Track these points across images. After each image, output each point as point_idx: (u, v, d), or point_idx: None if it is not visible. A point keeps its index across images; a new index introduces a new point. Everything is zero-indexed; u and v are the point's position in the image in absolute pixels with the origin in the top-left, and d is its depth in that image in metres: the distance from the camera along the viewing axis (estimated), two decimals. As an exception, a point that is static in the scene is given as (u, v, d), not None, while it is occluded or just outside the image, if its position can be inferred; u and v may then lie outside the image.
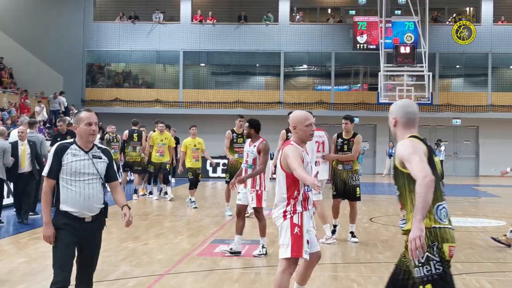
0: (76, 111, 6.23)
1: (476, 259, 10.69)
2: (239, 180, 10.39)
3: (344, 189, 12.19)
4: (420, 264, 4.80)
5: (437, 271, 4.81)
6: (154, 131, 19.36)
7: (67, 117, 21.70)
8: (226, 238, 11.87)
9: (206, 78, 39.72)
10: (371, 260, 10.51)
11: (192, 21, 38.36)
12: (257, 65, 39.56)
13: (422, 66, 32.18)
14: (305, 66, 40.02)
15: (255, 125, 10.75)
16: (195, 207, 17.44)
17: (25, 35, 37.35)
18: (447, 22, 39.67)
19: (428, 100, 32.68)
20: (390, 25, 34.94)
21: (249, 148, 10.74)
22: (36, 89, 34.52)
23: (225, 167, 18.19)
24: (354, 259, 10.50)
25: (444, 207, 4.92)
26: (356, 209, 12.36)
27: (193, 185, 17.63)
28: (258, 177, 10.44)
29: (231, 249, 10.55)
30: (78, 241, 5.81)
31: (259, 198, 10.47)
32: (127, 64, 40.20)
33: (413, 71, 32.87)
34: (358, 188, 12.21)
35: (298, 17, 39.18)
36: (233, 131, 15.35)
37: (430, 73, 32.43)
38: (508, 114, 36.54)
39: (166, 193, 20.15)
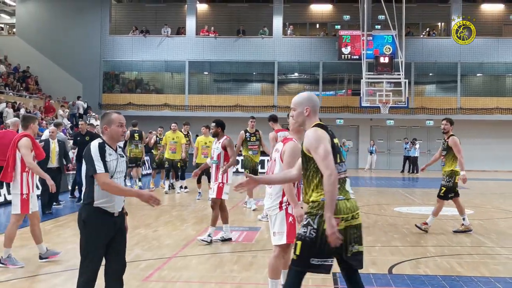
0: (105, 112, 5.78)
1: (447, 243, 10.70)
2: (223, 171, 10.34)
3: None
4: (303, 225, 4.96)
5: (310, 235, 4.86)
6: (180, 130, 19.64)
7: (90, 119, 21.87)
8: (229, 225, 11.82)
9: (209, 84, 39.71)
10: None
11: (196, 34, 38.36)
12: (254, 73, 39.54)
13: (399, 74, 32.17)
14: (296, 74, 39.99)
15: (221, 124, 10.58)
16: (198, 199, 17.46)
17: (48, 46, 37.39)
18: (421, 36, 39.67)
19: (405, 104, 32.71)
20: (371, 38, 34.94)
21: (215, 145, 10.57)
22: (59, 95, 34.51)
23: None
24: (339, 244, 10.48)
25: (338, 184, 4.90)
26: None
27: (199, 179, 17.64)
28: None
29: (222, 237, 10.44)
30: (111, 236, 5.50)
31: (219, 190, 10.27)
32: (139, 73, 40.17)
33: (391, 78, 32.85)
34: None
35: (289, 31, 39.17)
36: (246, 131, 15.09)
37: (406, 80, 32.43)
38: (475, 116, 36.59)
39: (173, 186, 20.02)
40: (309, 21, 41.49)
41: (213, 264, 8.83)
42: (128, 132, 19.89)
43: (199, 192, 17.76)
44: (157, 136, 21.09)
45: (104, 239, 5.44)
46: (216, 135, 10.62)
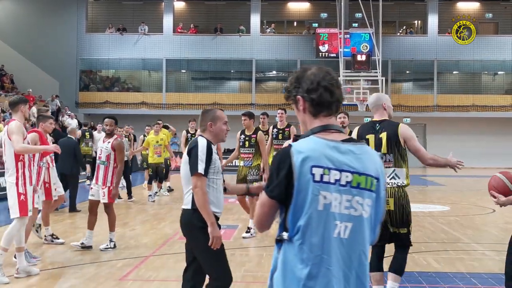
0: (208, 109, 5.41)
1: (424, 240, 10.76)
2: (115, 184, 9.46)
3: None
4: None
5: None
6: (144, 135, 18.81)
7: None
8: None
9: (186, 82, 39.59)
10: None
11: (174, 32, 38.23)
12: (232, 71, 39.49)
13: (376, 72, 32.31)
14: (274, 72, 40.01)
15: (116, 122, 9.84)
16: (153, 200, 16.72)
17: (24, 44, 37.01)
18: (398, 34, 39.91)
19: (382, 102, 32.85)
20: (348, 36, 35.04)
21: (103, 144, 9.60)
22: (35, 93, 34.15)
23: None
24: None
25: None
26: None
27: (151, 180, 17.26)
28: (110, 173, 9.47)
29: (82, 243, 9.46)
30: None
31: (110, 194, 9.50)
32: (116, 71, 39.93)
33: (369, 76, 32.98)
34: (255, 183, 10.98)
35: (268, 30, 39.19)
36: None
37: (384, 78, 32.57)
38: (452, 113, 36.92)
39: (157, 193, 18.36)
40: (286, 19, 41.53)
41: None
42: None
43: (150, 195, 16.81)
44: (144, 136, 19.80)
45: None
46: (110, 133, 9.67)
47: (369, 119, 37.69)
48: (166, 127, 18.58)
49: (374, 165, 2.80)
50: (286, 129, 12.44)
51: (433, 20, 38.10)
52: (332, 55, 36.19)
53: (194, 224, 5.04)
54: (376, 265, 6.20)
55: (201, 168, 4.93)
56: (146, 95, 37.77)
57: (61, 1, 37.96)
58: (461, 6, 40.11)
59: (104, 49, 38.02)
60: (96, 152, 11.78)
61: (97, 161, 9.67)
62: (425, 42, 37.77)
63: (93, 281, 7.67)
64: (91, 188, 9.60)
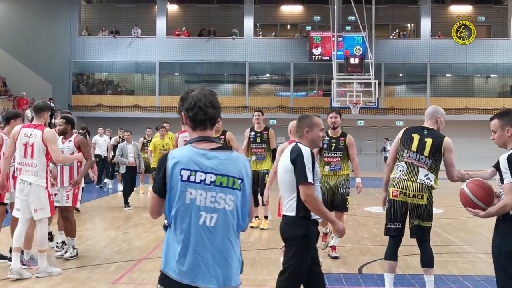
0: (305, 115, 5.39)
1: (415, 242, 10.75)
2: (74, 183, 8.94)
3: None
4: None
5: (386, 205, 6.91)
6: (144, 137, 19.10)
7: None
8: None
9: (179, 85, 39.54)
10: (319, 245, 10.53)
11: (167, 35, 38.22)
12: (225, 74, 39.51)
13: (370, 75, 32.37)
14: (267, 75, 40.05)
15: (71, 121, 9.32)
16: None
17: (17, 47, 36.93)
18: (391, 37, 40.02)
19: (375, 104, 32.91)
20: (341, 39, 35.10)
21: (64, 145, 9.00)
22: (28, 96, 34.04)
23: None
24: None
25: (400, 165, 6.81)
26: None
27: None
28: (76, 174, 9.01)
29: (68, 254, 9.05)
30: None
31: (75, 197, 9.04)
32: (109, 74, 39.90)
33: (362, 79, 33.03)
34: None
35: (260, 32, 39.21)
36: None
37: (377, 81, 32.64)
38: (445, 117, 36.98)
39: None
40: (279, 22, 41.58)
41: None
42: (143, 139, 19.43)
43: None
44: (145, 138, 19.60)
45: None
46: (64, 132, 9.13)
47: (362, 122, 37.79)
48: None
49: (237, 168, 3.50)
50: (264, 132, 12.26)
51: (426, 23, 38.22)
52: (325, 58, 36.27)
53: (297, 232, 5.09)
54: (391, 255, 6.92)
55: (310, 177, 4.97)
56: (139, 98, 37.73)
57: (54, 4, 37.90)
58: (454, 9, 40.26)
59: (97, 52, 37.97)
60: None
61: (59, 164, 8.94)
62: (418, 45, 37.90)
63: (86, 285, 7.65)
64: (55, 194, 8.86)
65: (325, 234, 9.35)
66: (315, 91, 39.53)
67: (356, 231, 12.08)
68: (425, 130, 7.19)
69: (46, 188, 7.95)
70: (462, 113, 37.02)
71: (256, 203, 12.09)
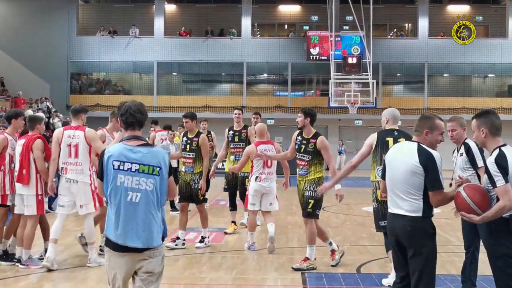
0: (427, 115, 5.42)
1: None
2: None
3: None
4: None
5: (374, 206, 7.69)
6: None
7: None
8: (195, 226, 11.72)
9: (177, 85, 39.56)
10: (322, 244, 10.50)
11: (165, 35, 38.20)
12: (223, 74, 39.52)
13: (367, 75, 32.37)
14: (265, 74, 40.06)
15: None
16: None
17: (15, 47, 36.89)
18: (389, 37, 40.04)
19: (373, 104, 32.90)
20: (339, 39, 35.11)
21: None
22: (25, 96, 34.02)
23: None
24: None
25: (381, 169, 6.15)
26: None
27: None
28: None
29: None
30: None
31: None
32: (107, 73, 39.88)
33: (360, 79, 33.04)
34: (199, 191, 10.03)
35: (259, 32, 39.20)
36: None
37: (374, 81, 32.65)
38: (442, 116, 34.89)
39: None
40: (277, 21, 41.57)
41: (182, 265, 8.80)
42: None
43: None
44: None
45: None
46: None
47: (360, 122, 37.59)
48: (169, 127, 16.20)
49: (156, 159, 4.66)
50: (243, 131, 11.53)
51: (423, 23, 38.22)
52: (323, 57, 36.28)
53: (427, 231, 5.12)
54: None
55: (443, 183, 5.10)
56: (137, 98, 37.50)
57: (52, 3, 37.85)
58: (451, 9, 40.28)
59: (95, 51, 37.95)
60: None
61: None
62: (416, 45, 37.92)
63: (84, 284, 7.64)
64: (14, 205, 8.67)
65: (333, 251, 8.91)
66: (313, 91, 39.55)
67: (354, 231, 12.08)
68: (395, 132, 7.67)
69: (90, 184, 8.51)
70: (460, 112, 36.94)
71: (234, 207, 11.82)
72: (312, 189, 8.51)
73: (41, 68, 36.73)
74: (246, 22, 38.20)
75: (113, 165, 4.60)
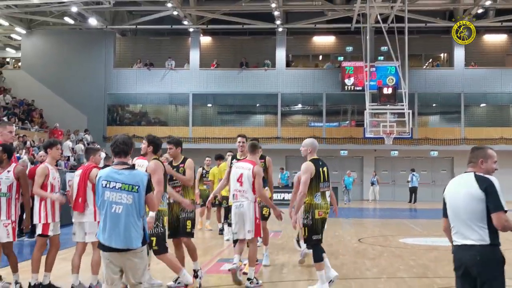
0: (479, 146, 5.63)
1: (454, 275, 10.49)
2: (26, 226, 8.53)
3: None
4: (305, 217, 8.72)
5: (309, 222, 8.63)
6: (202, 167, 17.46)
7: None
8: (230, 257, 11.56)
9: (212, 116, 39.79)
10: (360, 276, 10.35)
11: (200, 67, 38.55)
12: (257, 105, 39.64)
13: (403, 105, 32.11)
14: (299, 105, 40.06)
15: (8, 149, 8.45)
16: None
17: (54, 80, 37.67)
18: (424, 67, 39.80)
19: (409, 135, 32.61)
20: (374, 69, 35.02)
21: (1, 175, 8.23)
22: (63, 127, 34.56)
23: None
24: (344, 276, 10.32)
25: (317, 195, 8.61)
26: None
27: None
28: (13, 206, 8.29)
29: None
30: None
31: (13, 231, 8.30)
32: (143, 105, 40.33)
33: (395, 109, 32.79)
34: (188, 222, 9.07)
35: (293, 64, 39.32)
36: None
37: (410, 111, 32.37)
38: None
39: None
40: (312, 53, 41.69)
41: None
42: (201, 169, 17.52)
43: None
44: (203, 168, 17.65)
45: None
46: (1, 161, 8.34)
47: (395, 152, 37.28)
48: (221, 157, 16.46)
49: (135, 180, 5.81)
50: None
51: (459, 53, 37.91)
52: (358, 88, 36.19)
53: (497, 258, 5.16)
54: (322, 257, 8.76)
55: (504, 205, 5.16)
56: (172, 129, 37.94)
57: (90, 36, 38.61)
58: (488, 38, 39.97)
59: (132, 84, 38.45)
60: None
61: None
62: (452, 75, 37.60)
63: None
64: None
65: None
66: (347, 122, 39.37)
67: (391, 262, 11.84)
68: (320, 162, 8.86)
69: (95, 216, 8.57)
70: (498, 143, 36.38)
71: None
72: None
73: (79, 100, 37.35)
74: (280, 54, 38.38)
75: (102, 184, 5.83)
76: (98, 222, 8.39)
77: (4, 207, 8.21)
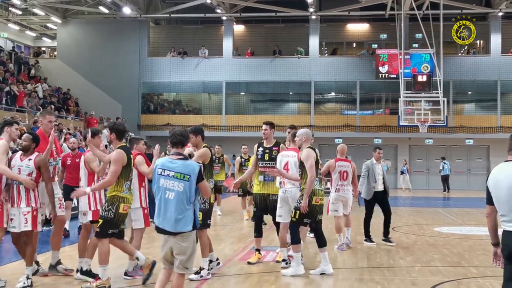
0: None
1: (489, 264, 10.43)
2: (53, 215, 8.46)
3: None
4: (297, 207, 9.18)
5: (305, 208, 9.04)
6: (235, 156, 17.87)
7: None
8: (264, 245, 11.62)
9: (245, 105, 39.85)
10: (393, 264, 10.35)
11: (233, 55, 38.61)
12: (290, 93, 39.57)
13: (438, 93, 31.80)
14: (333, 93, 39.88)
15: (36, 139, 8.44)
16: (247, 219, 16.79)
17: (89, 69, 38.11)
18: (460, 54, 39.27)
19: (443, 123, 32.27)
20: (408, 56, 34.72)
21: (22, 162, 8.24)
22: (98, 116, 34.95)
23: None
24: (378, 264, 10.34)
25: (316, 180, 9.11)
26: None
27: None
28: (32, 194, 8.20)
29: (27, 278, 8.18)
30: None
31: (34, 219, 8.18)
32: (177, 94, 40.56)
33: (430, 97, 32.47)
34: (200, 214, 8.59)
35: (326, 51, 39.09)
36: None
37: (445, 99, 32.03)
38: None
39: None
40: (345, 40, 41.43)
41: (250, 284, 8.78)
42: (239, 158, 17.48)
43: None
44: (241, 157, 17.40)
45: None
46: (27, 149, 8.33)
47: (430, 140, 36.85)
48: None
49: (187, 169, 6.32)
50: (274, 148, 10.21)
51: (496, 40, 37.27)
52: (392, 76, 35.91)
53: None
54: (299, 239, 9.26)
55: None
56: (206, 117, 38.14)
57: (124, 25, 38.92)
58: (525, 25, 39.24)
59: (166, 72, 38.70)
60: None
61: (14, 182, 8.21)
62: (488, 62, 37.01)
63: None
64: (12, 219, 8.17)
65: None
66: (381, 110, 39.10)
67: (425, 251, 11.80)
68: (315, 150, 9.52)
69: (140, 201, 9.08)
70: (535, 131, 35.88)
71: (259, 233, 10.22)
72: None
73: (113, 89, 37.76)
74: (314, 41, 38.22)
75: (158, 171, 6.39)
76: (143, 208, 8.95)
77: (23, 194, 8.14)
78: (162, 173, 6.33)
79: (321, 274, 9.22)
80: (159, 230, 6.32)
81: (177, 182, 6.26)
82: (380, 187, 12.86)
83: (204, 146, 9.03)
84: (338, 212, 12.08)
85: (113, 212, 7.91)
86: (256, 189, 10.24)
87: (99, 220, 8.04)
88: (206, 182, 6.79)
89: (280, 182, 9.84)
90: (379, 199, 12.83)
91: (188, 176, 6.27)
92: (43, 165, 8.24)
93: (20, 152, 8.35)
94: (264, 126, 10.37)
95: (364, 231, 12.83)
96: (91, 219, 8.75)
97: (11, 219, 8.12)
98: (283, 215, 9.70)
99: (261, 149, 10.16)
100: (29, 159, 8.21)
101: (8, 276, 8.66)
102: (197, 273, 8.85)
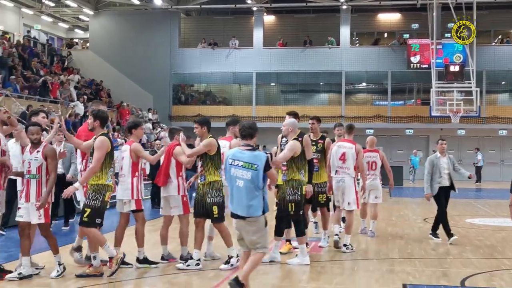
0: None
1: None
2: (40, 205, 8.01)
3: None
4: (292, 193, 9.31)
5: (297, 197, 9.31)
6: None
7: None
8: (309, 236, 11.57)
9: (276, 95, 39.85)
10: (424, 255, 10.31)
11: (263, 46, 38.59)
12: (321, 83, 39.44)
13: (470, 83, 31.41)
14: (364, 84, 39.67)
15: (43, 130, 8.46)
16: None
17: (120, 60, 38.41)
18: (493, 44, 38.70)
19: (476, 113, 31.88)
20: (440, 46, 34.35)
21: (31, 156, 8.13)
22: (129, 106, 35.24)
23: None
24: (409, 255, 10.30)
25: (302, 171, 9.41)
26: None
27: None
28: (44, 188, 8.10)
29: (20, 273, 8.05)
30: None
31: (47, 212, 8.09)
32: (208, 85, 40.72)
33: (462, 87, 32.12)
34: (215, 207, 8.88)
35: (357, 41, 38.84)
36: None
37: (478, 89, 31.62)
38: None
39: None
40: (377, 30, 41.14)
41: (281, 274, 8.82)
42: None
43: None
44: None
45: None
46: (37, 143, 8.20)
47: (462, 131, 36.42)
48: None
49: (255, 160, 6.81)
50: (319, 141, 10.59)
51: (530, 29, 36.70)
52: (423, 66, 35.61)
53: None
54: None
55: None
56: (236, 108, 38.25)
57: (155, 17, 39.13)
58: (561, 13, 38.52)
59: (196, 63, 38.85)
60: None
61: (26, 176, 8.15)
62: (523, 51, 36.43)
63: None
64: (19, 208, 8.16)
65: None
66: (413, 100, 38.78)
67: (457, 242, 11.71)
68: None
69: (178, 190, 9.27)
70: None
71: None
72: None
73: (145, 80, 38.02)
74: (345, 31, 38.02)
75: (228, 162, 6.95)
76: (182, 196, 9.14)
77: (34, 189, 8.06)
78: (233, 163, 6.90)
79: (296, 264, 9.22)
80: (233, 215, 6.91)
81: (245, 171, 6.80)
82: (447, 182, 12.05)
83: (210, 137, 9.01)
84: (365, 199, 12.59)
85: (100, 200, 8.09)
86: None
87: (86, 209, 8.06)
88: (274, 170, 7.40)
89: (335, 171, 10.57)
90: (445, 196, 12.08)
91: (255, 166, 6.79)
92: (50, 155, 8.12)
93: (29, 145, 8.24)
94: (310, 121, 11.04)
95: (443, 227, 11.91)
96: (134, 208, 8.83)
97: (19, 208, 8.13)
98: (339, 202, 10.63)
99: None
100: (38, 151, 8.12)
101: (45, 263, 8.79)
102: (226, 262, 8.89)
